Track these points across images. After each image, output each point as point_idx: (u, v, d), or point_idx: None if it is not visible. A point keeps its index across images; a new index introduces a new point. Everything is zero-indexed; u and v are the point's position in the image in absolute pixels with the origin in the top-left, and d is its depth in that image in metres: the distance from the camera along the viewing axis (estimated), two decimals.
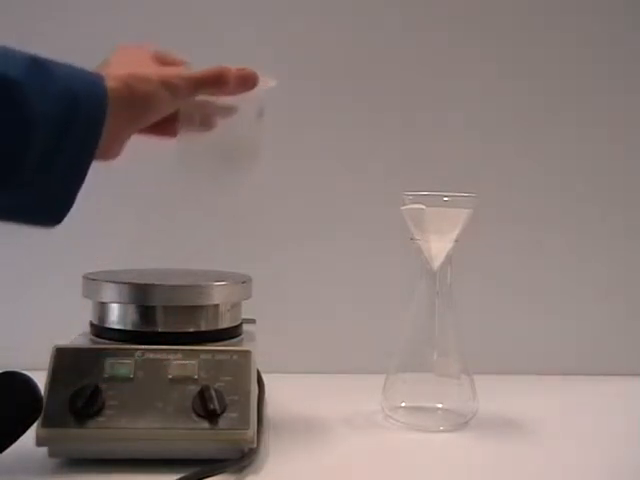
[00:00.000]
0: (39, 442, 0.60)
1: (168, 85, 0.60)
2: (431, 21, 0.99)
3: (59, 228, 0.95)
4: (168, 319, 0.69)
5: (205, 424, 0.61)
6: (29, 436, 0.56)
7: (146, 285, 0.68)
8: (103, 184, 0.93)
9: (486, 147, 1.00)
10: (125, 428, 0.61)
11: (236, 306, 0.73)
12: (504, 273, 1.00)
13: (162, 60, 0.64)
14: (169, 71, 0.62)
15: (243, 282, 0.73)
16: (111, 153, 0.61)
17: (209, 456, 0.61)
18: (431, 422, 0.75)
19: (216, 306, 0.70)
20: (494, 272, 0.99)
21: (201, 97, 0.64)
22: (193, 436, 0.61)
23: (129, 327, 0.69)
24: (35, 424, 0.56)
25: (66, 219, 0.95)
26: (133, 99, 0.58)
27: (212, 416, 0.61)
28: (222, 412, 0.61)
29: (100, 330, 0.70)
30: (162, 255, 0.94)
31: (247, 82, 0.64)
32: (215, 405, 0.61)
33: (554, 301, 1.01)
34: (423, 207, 0.74)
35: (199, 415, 0.61)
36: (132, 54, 0.63)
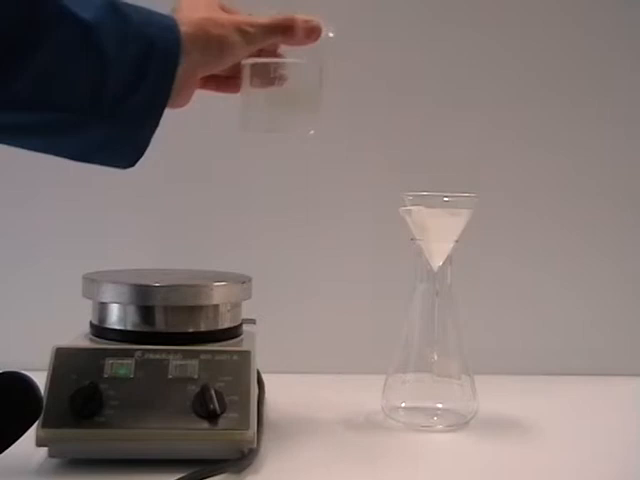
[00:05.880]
0: (39, 442, 0.60)
1: (241, 30, 0.61)
2: (432, 22, 0.99)
3: (59, 228, 0.96)
4: (168, 319, 0.69)
5: (205, 424, 0.61)
6: (29, 436, 0.56)
7: (146, 285, 0.68)
8: (103, 184, 0.94)
9: (486, 147, 1.00)
10: (125, 428, 0.61)
11: (236, 306, 0.73)
12: (504, 273, 1.00)
13: (224, 8, 0.65)
14: (241, 18, 0.63)
15: (243, 282, 0.73)
16: (181, 99, 0.62)
17: (209, 456, 0.61)
18: (431, 422, 0.75)
19: (216, 306, 0.70)
20: (494, 272, 0.99)
21: (266, 50, 0.65)
22: (193, 436, 0.61)
23: (129, 327, 0.69)
24: (35, 424, 0.56)
25: (66, 219, 0.96)
26: (208, 43, 0.60)
27: (212, 416, 0.61)
28: (222, 412, 0.61)
29: (100, 330, 0.70)
30: (162, 255, 0.95)
31: (313, 34, 0.65)
32: (215, 405, 0.61)
33: (554, 301, 1.01)
34: (423, 207, 0.74)
35: (199, 415, 0.61)
36: (201, 1, 0.63)
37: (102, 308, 0.70)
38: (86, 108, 0.55)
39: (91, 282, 0.70)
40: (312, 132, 0.67)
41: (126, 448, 0.62)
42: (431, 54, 0.99)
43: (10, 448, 0.54)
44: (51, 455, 0.62)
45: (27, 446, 0.58)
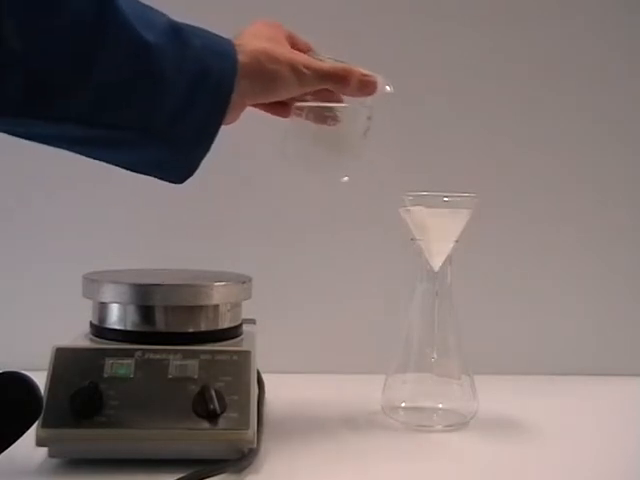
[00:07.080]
0: (39, 442, 0.60)
1: (296, 70, 0.61)
2: (432, 21, 0.99)
3: (59, 228, 0.96)
4: (168, 319, 0.69)
5: (205, 424, 0.61)
6: (29, 436, 0.56)
7: (146, 285, 0.68)
8: (103, 184, 0.94)
9: (486, 147, 1.00)
10: (125, 428, 0.61)
11: (236, 306, 0.73)
12: (504, 273, 1.00)
13: (292, 42, 0.65)
14: (299, 57, 0.63)
15: (243, 282, 0.73)
16: (230, 118, 0.62)
17: (209, 456, 0.61)
18: (431, 422, 0.75)
19: (216, 306, 0.70)
20: (494, 272, 0.99)
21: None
22: (193, 436, 0.61)
23: (129, 327, 0.69)
24: (35, 424, 0.56)
25: (66, 219, 0.96)
26: (261, 76, 0.60)
27: (212, 416, 0.61)
28: (222, 412, 0.61)
29: (100, 330, 0.70)
30: (162, 255, 0.94)
31: (367, 88, 0.65)
32: (215, 405, 0.61)
33: (554, 301, 1.01)
34: (423, 207, 0.74)
35: (199, 415, 0.61)
36: (269, 30, 0.63)
37: (102, 308, 0.70)
38: (138, 127, 0.56)
39: (91, 282, 0.70)
40: (346, 179, 0.68)
41: (126, 448, 0.62)
42: (431, 54, 0.99)
43: (10, 448, 0.54)
44: (51, 455, 0.62)
45: (27, 446, 0.58)
